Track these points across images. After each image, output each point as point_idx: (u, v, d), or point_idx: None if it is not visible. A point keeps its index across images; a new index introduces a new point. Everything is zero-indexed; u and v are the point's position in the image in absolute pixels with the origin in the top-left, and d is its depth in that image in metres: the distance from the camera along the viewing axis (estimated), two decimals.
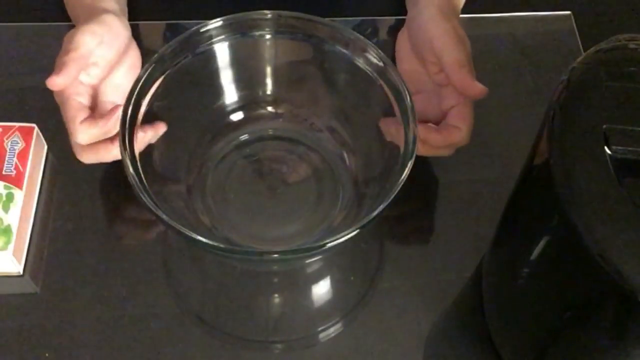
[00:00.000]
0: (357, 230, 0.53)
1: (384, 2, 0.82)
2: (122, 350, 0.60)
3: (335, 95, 0.67)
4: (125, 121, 0.58)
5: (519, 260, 0.52)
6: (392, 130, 0.61)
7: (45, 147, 0.69)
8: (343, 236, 0.53)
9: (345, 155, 0.67)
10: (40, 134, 0.67)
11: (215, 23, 0.62)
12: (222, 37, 0.63)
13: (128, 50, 0.65)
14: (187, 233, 0.53)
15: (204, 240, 0.53)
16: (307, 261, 0.64)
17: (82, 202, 0.67)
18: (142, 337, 0.61)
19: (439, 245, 0.66)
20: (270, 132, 0.69)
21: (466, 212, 0.67)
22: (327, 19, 0.63)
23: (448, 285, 0.64)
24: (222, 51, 0.64)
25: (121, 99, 0.63)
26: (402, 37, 0.69)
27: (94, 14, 0.63)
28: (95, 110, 0.62)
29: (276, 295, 0.65)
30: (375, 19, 0.79)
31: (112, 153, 0.61)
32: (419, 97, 0.65)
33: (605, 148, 0.42)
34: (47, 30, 0.76)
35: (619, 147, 0.42)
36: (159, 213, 0.54)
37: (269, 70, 0.67)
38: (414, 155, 0.56)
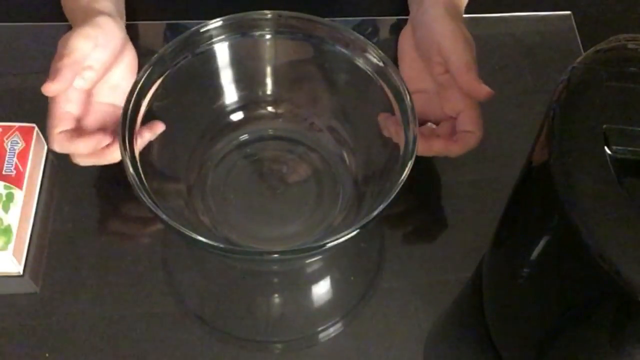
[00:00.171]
0: (357, 230, 0.53)
1: (384, 2, 0.82)
2: (122, 350, 0.60)
3: (335, 95, 0.67)
4: (126, 121, 0.58)
5: (519, 260, 0.52)
6: (391, 127, 0.61)
7: (45, 147, 0.69)
8: (343, 236, 0.53)
9: (345, 155, 0.67)
10: (40, 134, 0.67)
11: (215, 23, 0.62)
12: (222, 37, 0.63)
13: (124, 51, 0.65)
14: (187, 233, 0.53)
15: (204, 240, 0.53)
16: (307, 261, 0.64)
17: (82, 202, 0.67)
18: (142, 337, 0.61)
19: (439, 245, 0.66)
20: (270, 132, 0.69)
21: (466, 212, 0.67)
22: (327, 19, 0.63)
23: (448, 285, 0.64)
24: (222, 51, 0.64)
25: (117, 101, 0.64)
26: (405, 36, 0.68)
27: (88, 15, 0.63)
28: (87, 114, 0.62)
29: (276, 295, 0.65)
30: (375, 19, 0.79)
31: (106, 159, 0.61)
32: (420, 96, 0.65)
33: (605, 148, 0.42)
34: (47, 30, 0.76)
35: (619, 147, 0.42)
36: (159, 213, 0.54)
37: (269, 70, 0.67)
38: (414, 155, 0.56)
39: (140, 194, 0.55)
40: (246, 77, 0.67)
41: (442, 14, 0.63)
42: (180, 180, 0.64)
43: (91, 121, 0.62)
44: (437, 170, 0.70)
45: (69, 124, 0.60)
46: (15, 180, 0.64)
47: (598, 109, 0.44)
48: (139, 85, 0.59)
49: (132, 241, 0.66)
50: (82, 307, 0.62)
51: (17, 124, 0.66)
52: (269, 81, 0.68)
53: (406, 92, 0.59)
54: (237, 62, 0.66)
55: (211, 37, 0.63)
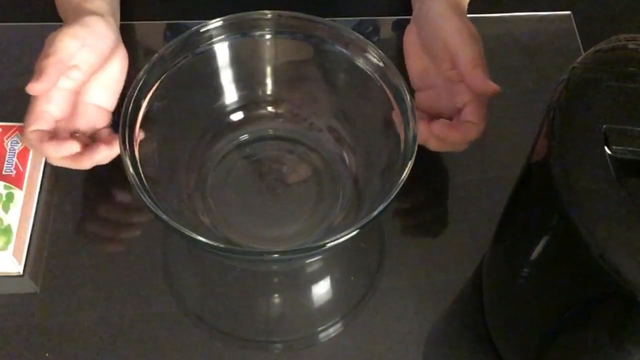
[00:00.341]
0: (357, 230, 0.53)
1: (384, 1, 0.82)
2: (122, 350, 0.60)
3: (335, 95, 0.67)
4: (126, 121, 0.58)
5: (519, 260, 0.52)
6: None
7: None
8: (343, 236, 0.53)
9: (345, 155, 0.67)
10: None
11: (215, 23, 0.62)
12: (222, 37, 0.63)
13: (114, 52, 0.64)
14: (187, 233, 0.53)
15: (204, 240, 0.53)
16: (307, 261, 0.64)
17: (82, 202, 0.67)
18: (142, 337, 0.61)
19: (439, 245, 0.66)
20: (270, 132, 0.69)
21: (466, 212, 0.67)
22: (327, 19, 0.63)
23: (448, 285, 0.64)
24: (222, 51, 0.64)
25: (104, 103, 0.63)
26: (410, 33, 0.68)
27: (79, 15, 0.63)
28: (75, 114, 0.62)
29: (276, 295, 0.65)
30: (376, 19, 0.79)
31: (78, 164, 0.61)
32: (430, 93, 0.65)
33: (605, 148, 0.42)
34: (47, 30, 0.75)
35: (619, 147, 0.42)
36: (159, 213, 0.54)
37: (269, 70, 0.67)
38: (414, 155, 0.56)
39: (140, 194, 0.55)
40: (246, 77, 0.67)
41: (447, 11, 0.63)
42: (180, 180, 0.64)
43: (76, 122, 0.62)
44: (437, 170, 0.70)
45: (45, 124, 0.60)
46: (15, 180, 0.64)
47: (598, 109, 0.44)
48: (139, 85, 0.59)
49: (132, 241, 0.66)
50: (82, 307, 0.62)
51: (17, 124, 0.66)
52: (269, 81, 0.68)
53: (406, 92, 0.59)
54: (237, 62, 0.66)
55: (211, 37, 0.63)
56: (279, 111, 0.69)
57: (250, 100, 0.68)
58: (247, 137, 0.69)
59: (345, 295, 0.64)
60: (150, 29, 0.78)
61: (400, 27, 0.71)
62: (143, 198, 0.54)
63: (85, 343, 0.60)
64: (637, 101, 0.44)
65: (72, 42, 0.60)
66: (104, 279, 0.63)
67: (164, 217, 0.54)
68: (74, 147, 0.60)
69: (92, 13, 0.63)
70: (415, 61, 0.67)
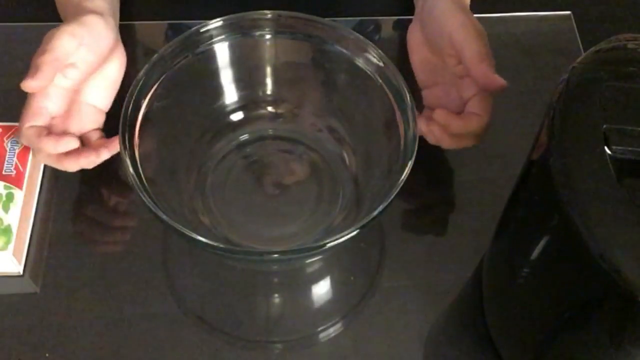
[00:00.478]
0: (357, 230, 0.53)
1: (384, 1, 0.82)
2: (122, 350, 0.60)
3: (335, 95, 0.67)
4: (126, 121, 0.58)
5: (519, 260, 0.52)
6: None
7: None
8: (343, 236, 0.53)
9: (345, 155, 0.67)
10: None
11: (215, 23, 0.62)
12: (222, 37, 0.63)
13: (112, 52, 0.64)
14: (187, 233, 0.53)
15: (204, 240, 0.53)
16: (307, 261, 0.64)
17: (82, 202, 0.67)
18: (142, 337, 0.61)
19: (439, 245, 0.66)
20: (270, 132, 0.69)
21: (466, 212, 0.67)
22: (327, 19, 0.63)
23: (448, 285, 0.64)
24: (222, 51, 0.64)
25: (99, 103, 0.63)
26: (414, 31, 0.68)
27: (79, 13, 0.62)
28: (70, 113, 0.62)
29: (276, 295, 0.65)
30: (376, 19, 0.79)
31: (63, 165, 0.61)
32: (437, 89, 0.65)
33: (605, 148, 0.42)
34: (47, 31, 0.76)
35: (619, 147, 0.42)
36: (159, 213, 0.54)
37: (269, 70, 0.67)
38: (414, 155, 0.56)
39: (140, 194, 0.55)
40: (246, 77, 0.67)
41: (451, 7, 0.63)
42: (180, 180, 0.64)
43: (70, 121, 0.62)
44: (437, 170, 0.70)
45: (41, 120, 0.60)
46: (15, 180, 0.64)
47: (598, 109, 0.44)
48: (139, 85, 0.59)
49: (132, 241, 0.66)
50: (82, 307, 0.62)
51: (17, 124, 0.66)
52: (269, 81, 0.68)
53: (406, 92, 0.59)
54: (237, 62, 0.66)
55: (211, 37, 0.63)
56: (279, 111, 0.69)
57: (250, 100, 0.68)
58: (247, 137, 0.69)
59: (345, 295, 0.64)
60: (152, 29, 0.78)
61: (401, 27, 0.71)
62: (143, 198, 0.54)
63: (85, 343, 0.60)
64: (637, 101, 0.44)
65: (70, 40, 0.60)
66: (104, 279, 0.63)
67: (164, 217, 0.54)
68: (72, 143, 0.60)
69: (92, 12, 0.63)
70: (420, 58, 0.67)
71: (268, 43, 0.65)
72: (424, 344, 0.61)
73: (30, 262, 0.63)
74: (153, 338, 0.61)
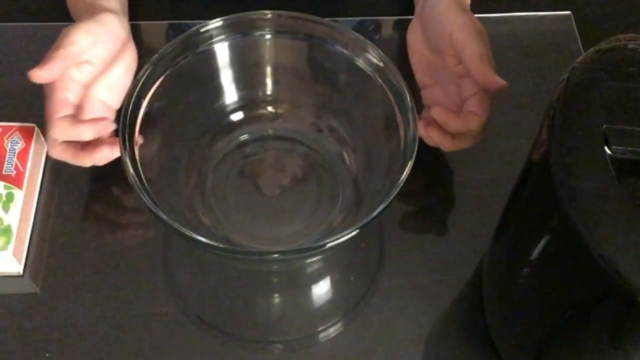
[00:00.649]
0: (357, 230, 0.53)
1: (384, 1, 0.82)
2: (122, 350, 0.60)
3: (335, 95, 0.67)
4: (126, 121, 0.58)
5: (519, 260, 0.52)
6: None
7: (45, 147, 0.69)
8: (343, 236, 0.53)
9: (345, 155, 0.67)
10: (40, 134, 0.67)
11: (215, 23, 0.62)
12: (222, 37, 0.63)
13: (124, 50, 0.64)
14: (187, 233, 0.53)
15: (204, 240, 0.53)
16: (307, 261, 0.64)
17: (82, 202, 0.67)
18: (142, 337, 0.61)
19: (439, 245, 0.66)
20: (270, 132, 0.69)
21: (466, 212, 0.67)
22: (327, 19, 0.63)
23: (448, 285, 0.64)
24: (222, 51, 0.64)
25: (110, 100, 0.63)
26: (414, 30, 0.68)
27: (94, 12, 0.63)
28: (81, 109, 0.62)
29: (276, 295, 0.65)
30: (376, 19, 0.79)
31: (78, 159, 0.61)
32: (437, 89, 0.65)
33: (605, 148, 0.42)
34: (47, 30, 0.76)
35: (619, 147, 0.42)
36: (159, 213, 0.54)
37: (269, 70, 0.67)
38: (414, 155, 0.56)
39: (140, 194, 0.55)
40: (246, 77, 0.67)
41: (451, 6, 0.63)
42: (180, 180, 0.64)
43: (84, 116, 0.62)
44: (437, 170, 0.70)
45: (68, 110, 0.60)
46: (15, 180, 0.64)
47: (598, 109, 0.44)
48: (139, 85, 0.59)
49: (132, 241, 0.66)
50: (82, 307, 0.62)
51: (17, 124, 0.66)
52: (269, 81, 0.68)
53: (406, 92, 0.59)
54: (237, 62, 0.66)
55: (211, 37, 0.63)
56: (279, 111, 0.69)
57: (250, 100, 0.68)
58: (247, 137, 0.69)
59: (345, 295, 0.64)
60: (153, 29, 0.78)
61: (401, 27, 0.71)
62: (143, 198, 0.54)
63: (85, 343, 0.60)
64: (637, 101, 0.44)
65: (86, 37, 0.60)
66: (104, 279, 0.63)
67: (164, 217, 0.54)
68: (109, 125, 0.61)
69: (107, 11, 0.64)
70: (420, 58, 0.67)
71: (268, 43, 0.65)
72: (424, 344, 0.61)
73: (30, 262, 0.63)
74: (153, 338, 0.61)
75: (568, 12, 0.81)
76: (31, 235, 0.65)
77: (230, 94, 0.67)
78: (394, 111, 0.60)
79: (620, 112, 0.44)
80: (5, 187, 0.63)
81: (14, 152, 0.65)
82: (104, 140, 0.62)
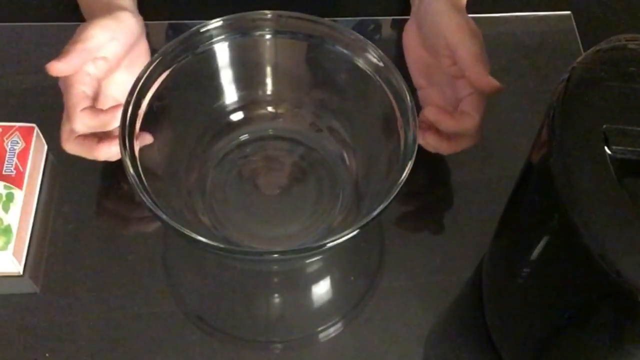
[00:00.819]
0: (357, 230, 0.53)
1: (384, 1, 0.82)
2: (122, 350, 0.60)
3: (335, 95, 0.67)
4: (126, 121, 0.58)
5: (519, 260, 0.52)
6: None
7: (45, 147, 0.69)
8: (343, 236, 0.53)
9: (345, 155, 0.67)
10: (40, 134, 0.67)
11: (215, 23, 0.62)
12: (222, 37, 0.63)
13: (137, 47, 0.65)
14: (187, 233, 0.53)
15: (204, 240, 0.53)
16: (307, 261, 0.64)
17: (82, 202, 0.67)
18: (142, 337, 0.61)
19: (439, 245, 0.66)
20: (270, 132, 0.69)
21: (466, 212, 0.67)
22: (327, 19, 0.63)
23: (448, 285, 0.64)
24: (222, 51, 0.64)
25: (123, 96, 0.63)
26: (410, 30, 0.68)
27: (110, 9, 0.64)
28: (96, 104, 0.62)
29: (276, 295, 0.65)
30: (376, 19, 0.79)
31: (95, 152, 0.61)
32: (433, 90, 0.65)
33: (605, 148, 0.42)
34: (47, 30, 0.76)
35: (619, 147, 0.42)
36: (159, 213, 0.54)
37: (269, 70, 0.67)
38: (414, 155, 0.56)
39: (140, 194, 0.55)
40: (246, 77, 0.67)
41: (446, 8, 0.63)
42: (180, 180, 0.64)
43: None
44: (437, 170, 0.70)
45: (87, 103, 0.60)
46: (15, 180, 0.64)
47: (598, 109, 0.44)
48: (140, 85, 0.59)
49: (132, 241, 0.66)
50: (82, 307, 0.62)
51: (17, 124, 0.66)
52: (269, 81, 0.68)
53: (406, 92, 0.59)
54: (237, 62, 0.66)
55: (211, 37, 0.63)
56: (279, 111, 0.69)
57: (250, 100, 0.68)
58: (247, 137, 0.69)
59: (345, 295, 0.64)
60: (153, 29, 0.78)
61: (401, 27, 0.71)
62: (143, 198, 0.54)
63: (85, 343, 0.60)
64: (637, 101, 0.44)
65: (102, 32, 0.61)
66: (104, 279, 0.63)
67: (164, 217, 0.54)
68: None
69: (123, 8, 0.64)
70: (415, 58, 0.67)
71: (268, 43, 0.65)
72: (424, 344, 0.61)
73: (30, 262, 0.63)
74: (153, 338, 0.61)
75: (568, 12, 0.81)
76: (31, 235, 0.65)
77: (230, 94, 0.67)
78: (394, 111, 0.60)
79: (620, 112, 0.44)
80: (5, 187, 0.63)
81: (14, 152, 0.65)
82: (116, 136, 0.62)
